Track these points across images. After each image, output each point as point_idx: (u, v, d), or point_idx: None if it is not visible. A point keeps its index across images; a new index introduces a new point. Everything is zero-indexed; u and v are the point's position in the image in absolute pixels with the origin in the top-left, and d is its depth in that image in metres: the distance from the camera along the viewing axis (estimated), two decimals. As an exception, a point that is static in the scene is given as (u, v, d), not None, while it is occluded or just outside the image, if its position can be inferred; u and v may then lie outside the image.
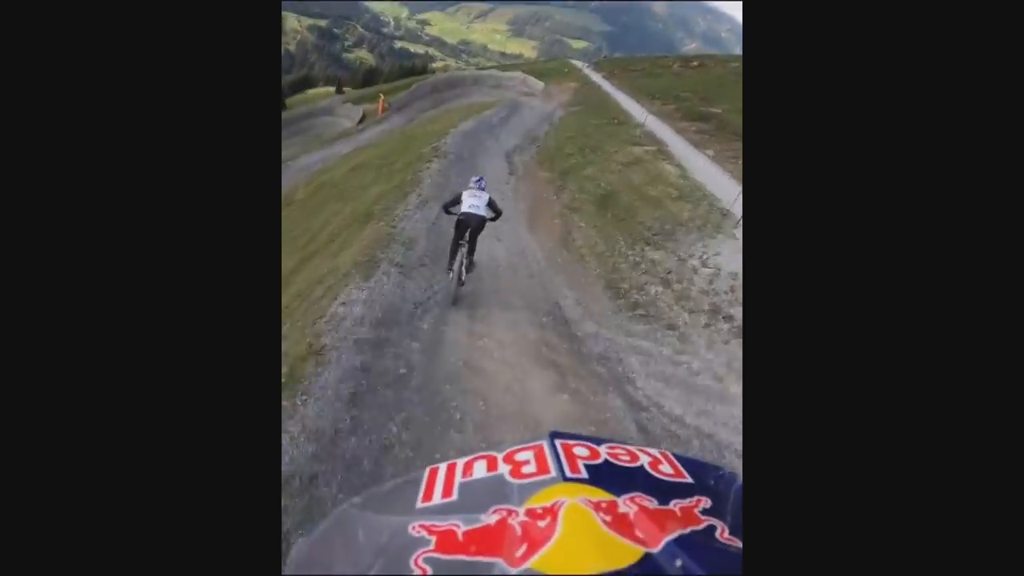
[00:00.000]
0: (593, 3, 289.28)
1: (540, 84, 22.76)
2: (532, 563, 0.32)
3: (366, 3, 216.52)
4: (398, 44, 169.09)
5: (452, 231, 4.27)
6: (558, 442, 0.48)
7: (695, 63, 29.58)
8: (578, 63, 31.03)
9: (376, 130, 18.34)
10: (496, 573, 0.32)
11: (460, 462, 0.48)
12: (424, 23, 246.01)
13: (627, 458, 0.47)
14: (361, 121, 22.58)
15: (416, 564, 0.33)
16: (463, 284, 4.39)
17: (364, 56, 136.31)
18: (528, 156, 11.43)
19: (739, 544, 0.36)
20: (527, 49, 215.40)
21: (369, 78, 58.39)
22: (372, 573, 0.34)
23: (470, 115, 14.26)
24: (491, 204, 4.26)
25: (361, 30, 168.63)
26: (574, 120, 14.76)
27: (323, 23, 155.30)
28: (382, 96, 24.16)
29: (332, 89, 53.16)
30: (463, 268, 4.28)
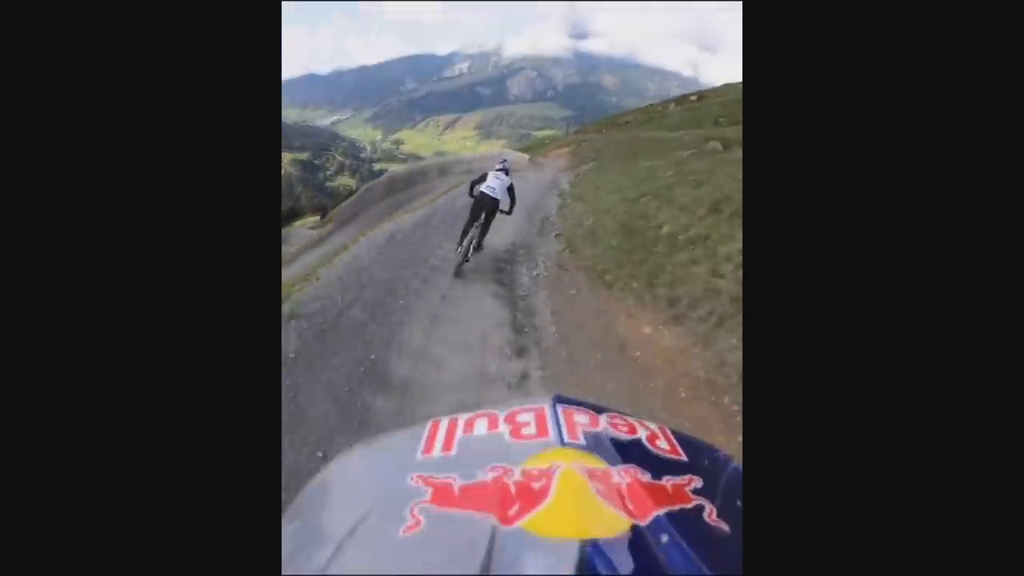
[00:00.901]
0: (548, 92, 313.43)
1: (524, 156, 17.58)
2: (523, 523, 0.33)
3: (341, 132, 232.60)
4: (377, 166, 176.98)
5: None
6: (559, 407, 0.48)
7: (693, 97, 26.12)
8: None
9: (300, 263, 12.29)
10: (487, 528, 0.33)
11: (462, 418, 0.49)
12: (398, 142, 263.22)
13: (626, 429, 0.47)
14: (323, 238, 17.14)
15: (412, 513, 0.35)
16: (468, 261, 4.67)
17: (346, 182, 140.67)
18: (547, 265, 5.06)
19: (725, 527, 0.37)
20: (498, 148, 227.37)
21: (353, 201, 56.05)
22: (368, 520, 0.36)
23: (420, 207, 8.18)
24: (510, 190, 4.68)
25: (340, 158, 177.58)
26: (602, 175, 8.72)
27: (303, 156, 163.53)
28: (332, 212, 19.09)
29: (318, 217, 50.46)
30: (471, 247, 4.66)
